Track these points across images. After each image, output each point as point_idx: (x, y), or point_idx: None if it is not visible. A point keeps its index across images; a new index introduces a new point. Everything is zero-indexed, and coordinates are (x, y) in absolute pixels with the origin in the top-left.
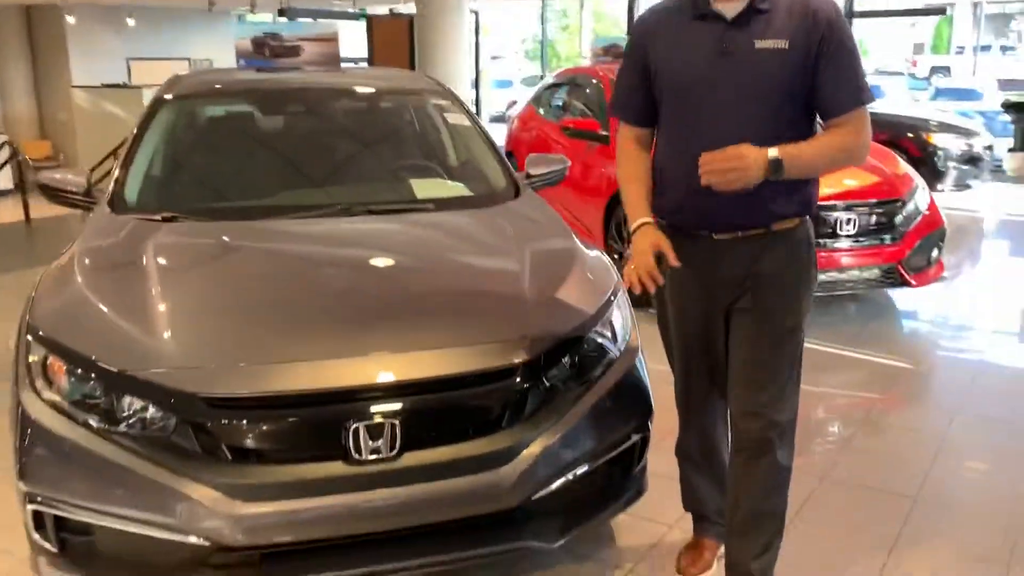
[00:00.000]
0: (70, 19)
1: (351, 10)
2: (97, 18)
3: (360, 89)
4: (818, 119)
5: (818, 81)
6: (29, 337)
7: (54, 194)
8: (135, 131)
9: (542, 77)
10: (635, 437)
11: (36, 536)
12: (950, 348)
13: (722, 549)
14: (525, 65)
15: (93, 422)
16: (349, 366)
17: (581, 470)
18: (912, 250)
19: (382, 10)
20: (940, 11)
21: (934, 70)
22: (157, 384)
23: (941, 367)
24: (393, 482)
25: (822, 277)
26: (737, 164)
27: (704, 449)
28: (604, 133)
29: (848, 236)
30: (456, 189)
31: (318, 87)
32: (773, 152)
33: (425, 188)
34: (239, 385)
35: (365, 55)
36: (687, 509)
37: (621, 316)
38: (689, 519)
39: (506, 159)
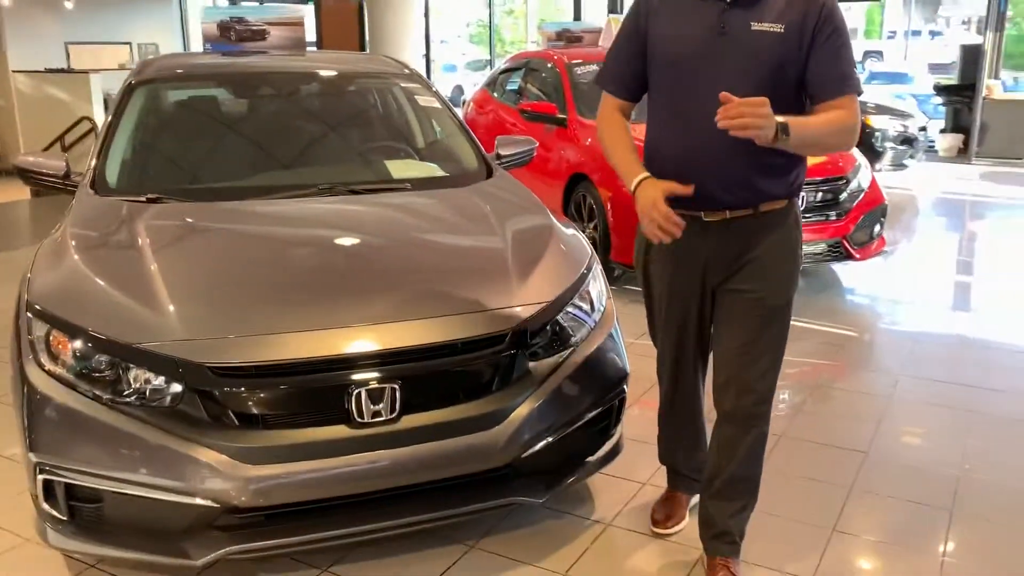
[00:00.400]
0: (6, 2)
1: None
2: (34, 1)
3: (331, 72)
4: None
5: (811, 65)
6: (30, 314)
7: (31, 177)
8: (111, 114)
9: (489, 61)
10: (613, 399)
11: (45, 506)
12: (891, 317)
13: (694, 500)
14: (469, 49)
15: (100, 393)
16: (350, 334)
17: (564, 431)
18: (856, 226)
19: None
20: None
21: (867, 54)
22: (165, 355)
23: (884, 335)
24: (393, 443)
25: None
26: (762, 111)
27: (685, 415)
28: (562, 116)
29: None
30: (430, 169)
31: (290, 71)
32: (781, 118)
33: (400, 168)
34: (245, 354)
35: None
36: (663, 462)
37: (597, 287)
38: (661, 476)
39: (476, 140)
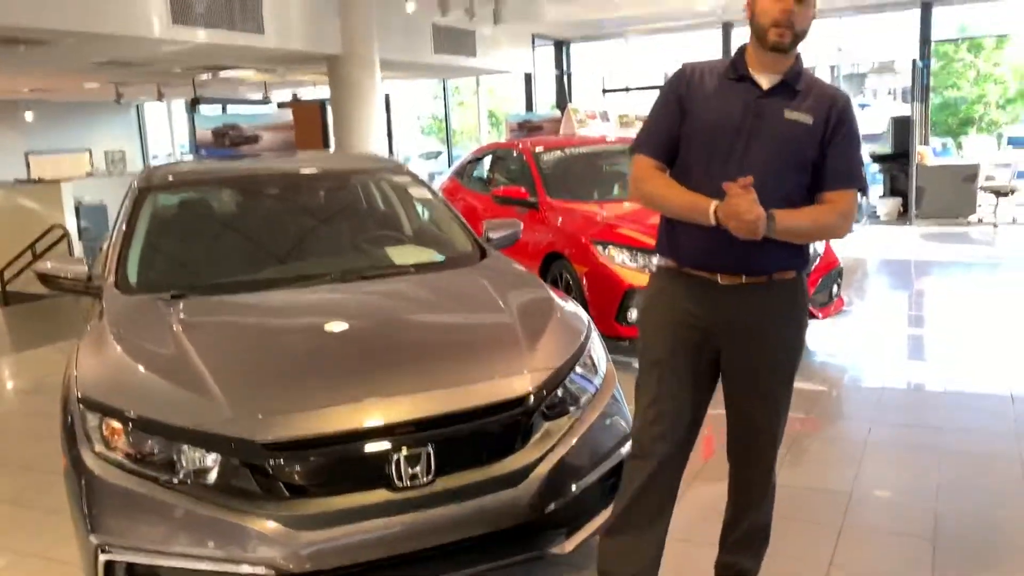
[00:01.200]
0: None
1: (258, 98)
2: None
3: (329, 170)
4: None
5: (822, 160)
6: (82, 406)
7: (53, 281)
8: (125, 219)
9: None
10: (621, 452)
11: None
12: (856, 371)
13: None
14: (421, 141)
15: (157, 474)
16: (386, 405)
17: (581, 485)
18: (816, 288)
19: (284, 96)
20: None
21: None
22: (218, 434)
23: (851, 388)
24: (430, 504)
25: None
26: (756, 211)
27: (655, 504)
28: (533, 199)
29: None
30: (428, 254)
31: (290, 171)
32: (770, 212)
33: (401, 255)
34: (293, 429)
35: None
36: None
37: (597, 352)
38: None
39: (468, 225)
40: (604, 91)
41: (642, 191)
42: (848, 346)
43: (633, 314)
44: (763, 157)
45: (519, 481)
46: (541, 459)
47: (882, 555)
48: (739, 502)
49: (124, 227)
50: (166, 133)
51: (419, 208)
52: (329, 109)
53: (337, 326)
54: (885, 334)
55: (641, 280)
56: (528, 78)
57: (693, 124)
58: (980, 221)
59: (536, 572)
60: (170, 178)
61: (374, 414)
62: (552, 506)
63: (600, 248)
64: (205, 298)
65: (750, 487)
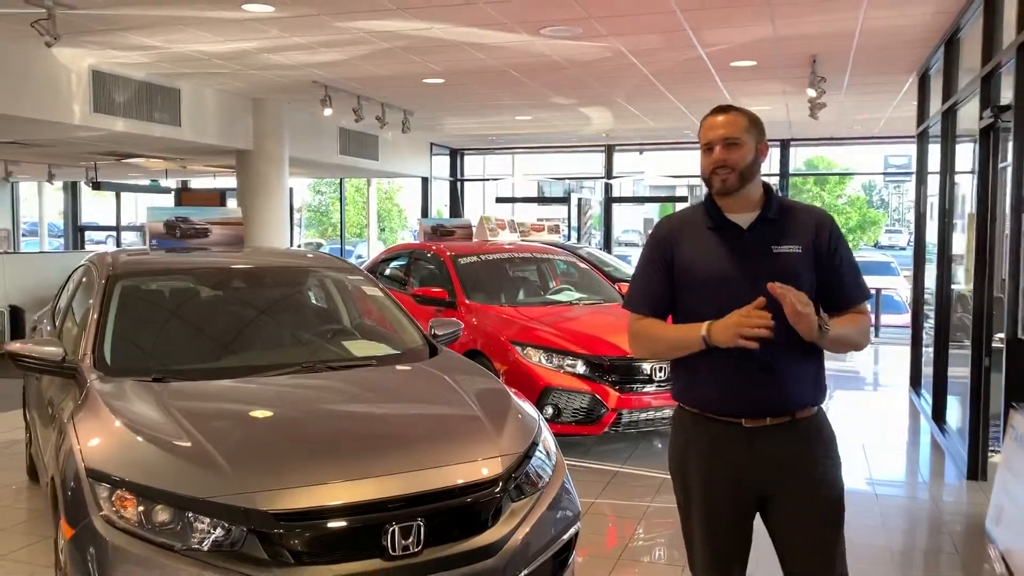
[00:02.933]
0: None
1: (146, 183)
2: None
3: (287, 266)
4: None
5: (832, 282)
6: (91, 479)
7: (23, 361)
8: (98, 304)
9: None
10: (572, 531)
11: None
12: None
13: None
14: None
15: (171, 541)
16: (382, 482)
17: (542, 557)
18: None
19: (171, 183)
20: (682, 199)
21: None
22: (232, 505)
23: None
24: (419, 573)
25: (641, 415)
26: (806, 308)
27: None
28: (451, 300)
29: (659, 381)
30: (383, 348)
31: (252, 266)
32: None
33: (360, 348)
34: (300, 501)
35: None
36: None
37: (549, 440)
38: None
39: (416, 323)
40: (497, 199)
41: (638, 340)
42: None
43: (549, 411)
44: (767, 295)
45: (495, 553)
46: (511, 534)
47: None
48: None
49: (98, 312)
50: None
51: (373, 305)
52: (228, 197)
53: (321, 411)
54: None
55: (557, 379)
56: (425, 182)
57: (695, 278)
58: None
59: None
60: (136, 268)
61: (372, 489)
62: (522, 575)
63: (519, 348)
64: (189, 382)
65: None
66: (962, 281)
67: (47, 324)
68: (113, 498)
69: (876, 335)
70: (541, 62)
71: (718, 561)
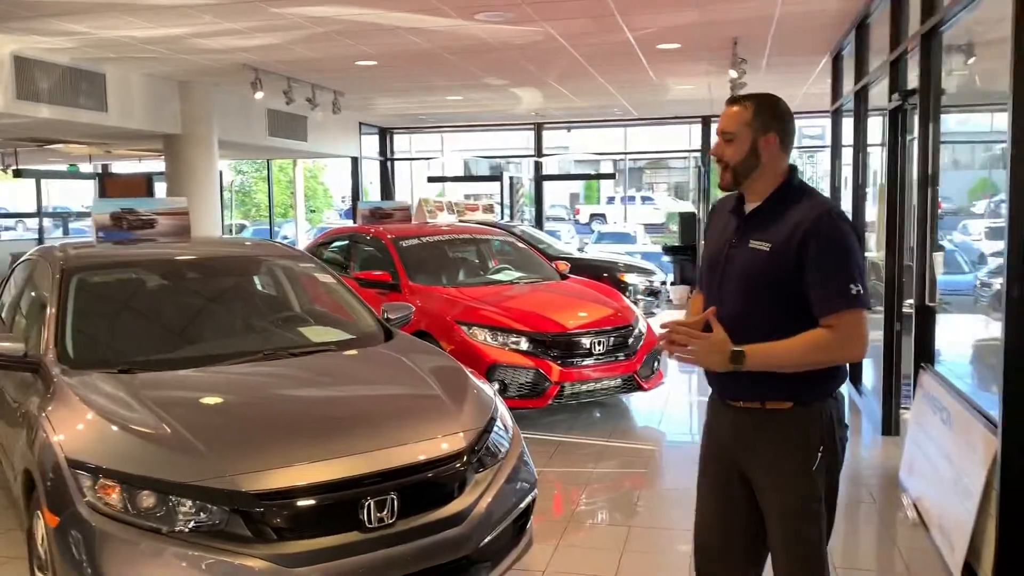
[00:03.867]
0: None
1: (64, 168)
2: None
3: (239, 255)
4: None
5: (806, 284)
6: (73, 468)
7: None
8: (55, 298)
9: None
10: (529, 498)
11: None
12: (676, 430)
13: None
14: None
15: (156, 524)
16: (357, 460)
17: (503, 524)
18: (642, 363)
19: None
20: (611, 176)
21: (592, 216)
22: (212, 488)
23: (674, 444)
24: (394, 543)
25: (582, 387)
26: (706, 346)
27: None
28: (394, 282)
29: (598, 355)
30: (339, 334)
31: (205, 256)
32: (739, 347)
33: (317, 334)
34: (280, 481)
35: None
36: None
37: (505, 414)
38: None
39: (371, 308)
40: (429, 178)
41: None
42: (667, 411)
43: (496, 386)
44: (732, 287)
45: (462, 521)
46: (476, 503)
47: None
48: None
49: (56, 306)
50: None
51: (326, 291)
52: (155, 182)
53: (289, 396)
54: (696, 399)
55: (502, 356)
56: (355, 162)
57: (704, 255)
58: None
59: None
60: (90, 261)
61: (346, 467)
62: (484, 542)
63: (465, 328)
64: (156, 373)
65: None
66: (873, 249)
67: None
68: (96, 486)
69: None
70: (474, 45)
71: (702, 525)
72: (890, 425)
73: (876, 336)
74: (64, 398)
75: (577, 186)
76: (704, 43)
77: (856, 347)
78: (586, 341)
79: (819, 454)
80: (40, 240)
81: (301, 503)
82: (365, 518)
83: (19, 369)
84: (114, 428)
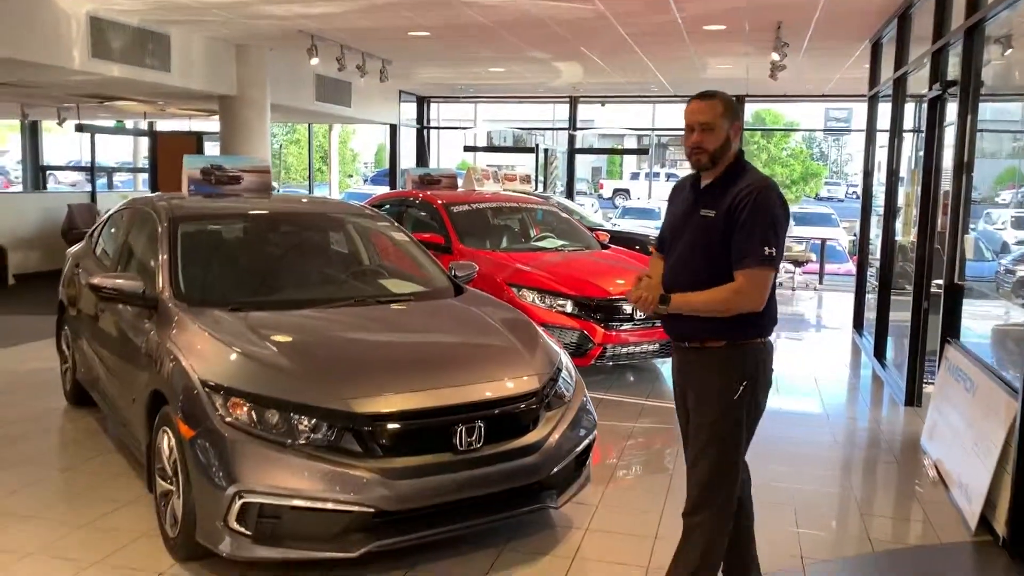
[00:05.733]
0: None
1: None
2: None
3: (324, 212)
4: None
5: (732, 242)
6: (206, 389)
7: (106, 293)
8: (167, 245)
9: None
10: (590, 438)
11: (235, 525)
12: None
13: None
14: None
15: (279, 438)
16: (451, 391)
17: (570, 457)
18: None
19: (139, 124)
20: (644, 151)
21: (616, 192)
22: (331, 408)
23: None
24: (480, 464)
25: (623, 350)
26: (639, 290)
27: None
28: (446, 245)
29: (637, 320)
30: (413, 286)
31: (290, 212)
32: (667, 294)
33: (396, 285)
34: (386, 405)
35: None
36: None
37: (569, 362)
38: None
39: (440, 264)
40: (465, 148)
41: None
42: None
43: None
44: (685, 249)
45: (536, 451)
46: (547, 437)
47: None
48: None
49: (168, 250)
50: None
51: (402, 248)
52: (205, 141)
53: (388, 336)
54: None
55: (550, 317)
56: (393, 129)
57: (665, 225)
58: (781, 284)
59: (524, 528)
60: (193, 211)
61: (442, 397)
62: (554, 470)
63: (515, 289)
64: (263, 312)
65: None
66: (901, 233)
67: (91, 262)
68: (228, 404)
69: (820, 282)
70: (525, 19)
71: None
72: (913, 397)
73: (900, 316)
74: (190, 329)
75: (600, 160)
76: (749, 25)
77: (755, 299)
78: (627, 307)
79: (741, 386)
80: (92, 194)
81: (404, 426)
82: (457, 442)
83: (139, 305)
84: (239, 355)
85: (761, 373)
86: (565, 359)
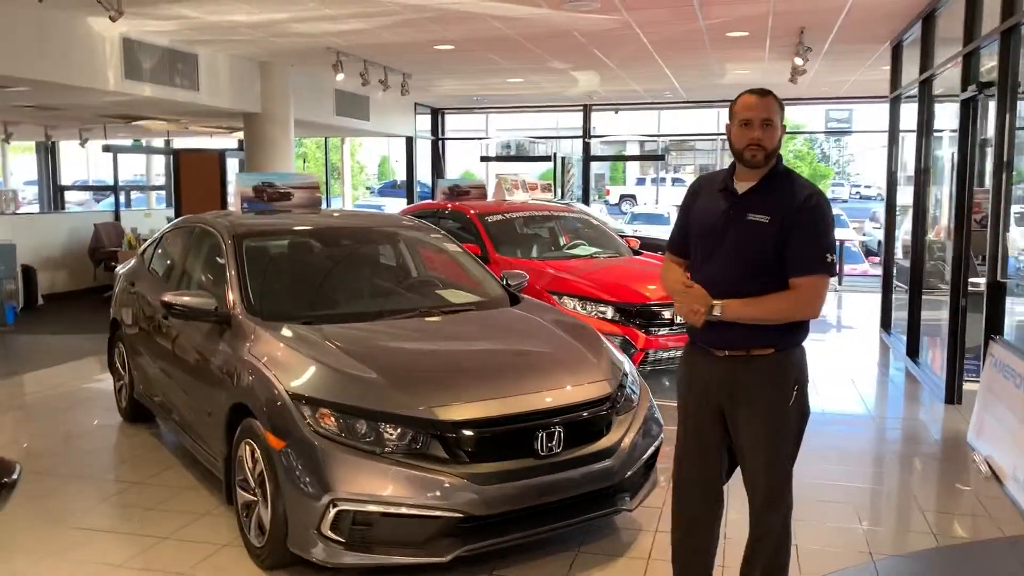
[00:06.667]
0: None
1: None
2: None
3: (374, 227)
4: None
5: (787, 248)
6: (293, 400)
7: (185, 312)
8: (233, 262)
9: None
10: (658, 442)
11: (329, 532)
12: None
13: None
14: None
15: (368, 447)
16: (530, 398)
17: (640, 461)
18: None
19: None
20: (660, 157)
21: (623, 197)
22: (416, 416)
23: None
24: (560, 469)
25: (663, 355)
26: (691, 305)
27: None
28: (483, 255)
29: (676, 325)
30: (472, 297)
31: (344, 227)
32: (718, 303)
33: (454, 296)
34: (470, 413)
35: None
36: None
37: (634, 368)
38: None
39: (494, 275)
40: (482, 158)
41: (661, 277)
42: None
43: None
44: (730, 254)
45: (611, 455)
46: (621, 440)
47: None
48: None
49: (235, 267)
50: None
51: (454, 260)
52: (227, 158)
53: (460, 345)
54: None
55: (591, 324)
56: (409, 141)
57: (695, 229)
58: None
59: (595, 532)
60: (254, 228)
61: (522, 404)
62: (628, 473)
63: (556, 297)
64: (336, 325)
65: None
66: (931, 233)
67: (147, 281)
68: (317, 415)
69: (840, 283)
70: (549, 31)
71: (681, 464)
72: (953, 394)
73: (932, 315)
74: (269, 343)
75: (603, 167)
76: (772, 31)
77: (816, 307)
78: (666, 312)
79: (794, 392)
80: (116, 213)
81: (487, 432)
82: (538, 447)
83: (211, 321)
84: (323, 367)
85: (806, 375)
86: (629, 365)
